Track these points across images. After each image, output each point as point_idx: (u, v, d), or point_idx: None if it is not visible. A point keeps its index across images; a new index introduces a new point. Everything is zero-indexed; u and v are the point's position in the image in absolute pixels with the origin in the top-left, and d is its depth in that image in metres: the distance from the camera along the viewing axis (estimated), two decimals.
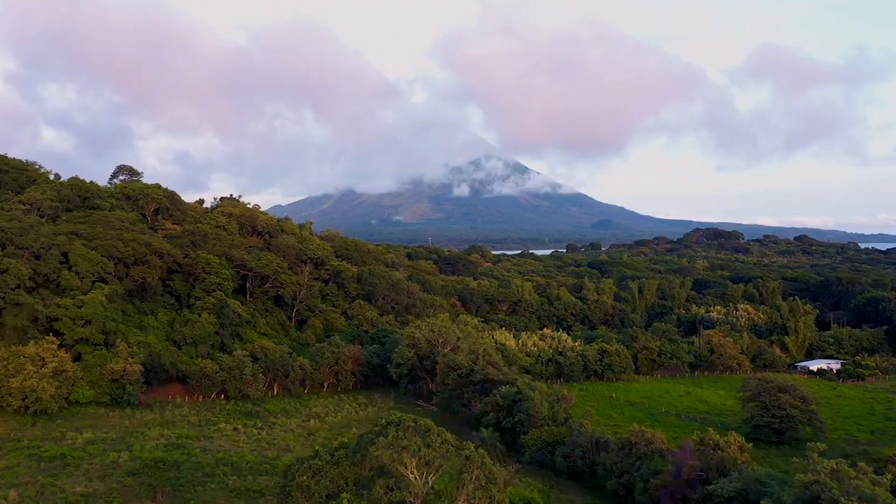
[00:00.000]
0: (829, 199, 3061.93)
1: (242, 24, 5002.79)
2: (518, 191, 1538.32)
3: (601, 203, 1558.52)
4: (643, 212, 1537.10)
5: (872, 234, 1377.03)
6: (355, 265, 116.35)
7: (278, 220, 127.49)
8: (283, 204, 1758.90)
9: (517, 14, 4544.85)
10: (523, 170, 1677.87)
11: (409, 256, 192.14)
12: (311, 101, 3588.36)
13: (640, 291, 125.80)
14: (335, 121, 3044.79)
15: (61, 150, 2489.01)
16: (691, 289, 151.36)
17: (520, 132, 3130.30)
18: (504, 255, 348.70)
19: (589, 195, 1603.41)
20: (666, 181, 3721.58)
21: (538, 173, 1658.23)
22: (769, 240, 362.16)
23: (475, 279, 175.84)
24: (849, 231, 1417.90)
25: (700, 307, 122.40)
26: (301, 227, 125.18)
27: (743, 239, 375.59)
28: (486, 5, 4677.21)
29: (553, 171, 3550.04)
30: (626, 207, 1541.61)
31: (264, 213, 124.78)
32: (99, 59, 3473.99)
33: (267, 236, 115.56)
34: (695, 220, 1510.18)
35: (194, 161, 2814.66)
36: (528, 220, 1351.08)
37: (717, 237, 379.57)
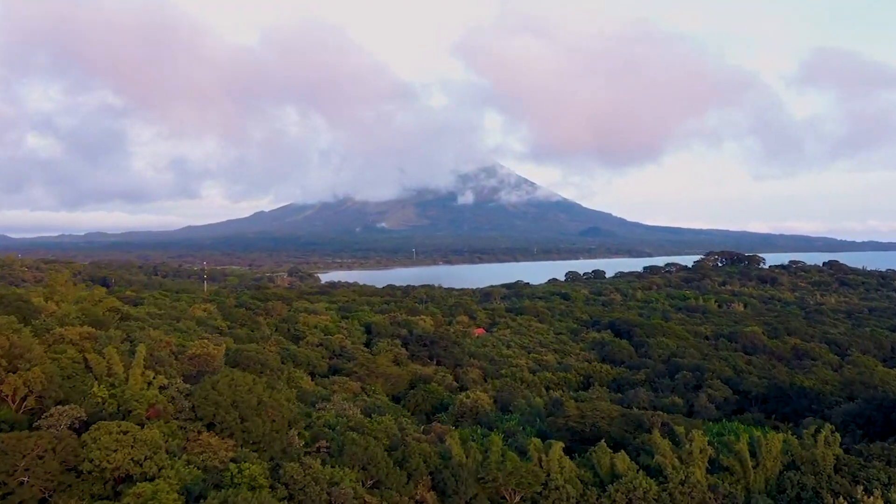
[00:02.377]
0: (820, 204, 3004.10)
1: (247, 22, 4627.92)
2: (525, 199, 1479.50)
3: (588, 209, 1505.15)
4: (631, 218, 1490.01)
5: (864, 242, 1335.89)
6: (230, 437, 55.58)
7: (94, 349, 63.19)
8: (267, 210, 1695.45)
9: (544, 11, 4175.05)
10: (530, 182, 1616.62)
11: (367, 331, 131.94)
12: (317, 103, 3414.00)
13: (752, 454, 66.96)
14: (342, 125, 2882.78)
15: (48, 155, 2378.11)
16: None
17: (542, 138, 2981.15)
18: (493, 286, 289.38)
19: (576, 201, 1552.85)
20: (655, 187, 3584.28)
21: (540, 187, 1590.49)
22: (797, 267, 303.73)
23: (461, 368, 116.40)
24: (839, 238, 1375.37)
25: (867, 491, 64.92)
26: (131, 362, 59.48)
27: (764, 264, 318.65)
28: (507, 2, 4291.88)
29: (566, 179, 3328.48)
30: (614, 214, 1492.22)
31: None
32: (92, 58, 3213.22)
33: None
34: (683, 226, 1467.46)
35: (189, 166, 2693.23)
36: (514, 226, 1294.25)
37: (736, 261, 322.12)
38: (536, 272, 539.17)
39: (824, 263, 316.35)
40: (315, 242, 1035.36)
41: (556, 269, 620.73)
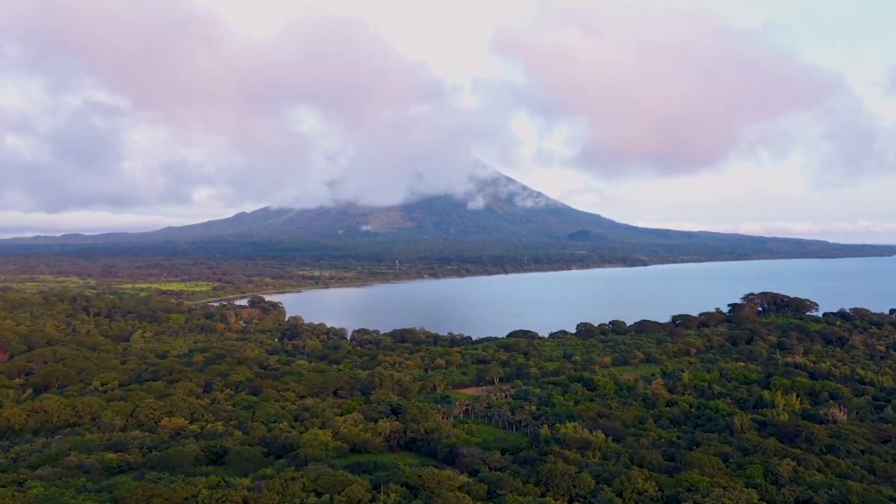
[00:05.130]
0: (812, 204, 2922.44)
1: (267, 15, 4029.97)
2: (510, 200, 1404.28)
3: (578, 211, 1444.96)
4: (620, 220, 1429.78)
5: (857, 245, 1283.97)
6: None
7: None
8: (248, 212, 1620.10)
9: (591, 3, 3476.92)
10: (521, 184, 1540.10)
11: None
12: (336, 105, 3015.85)
13: None
14: (359, 128, 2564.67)
15: (31, 157, 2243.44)
16: None
17: (586, 141, 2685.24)
18: (489, 345, 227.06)
19: (565, 203, 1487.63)
20: (643, 188, 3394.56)
21: (529, 189, 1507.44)
22: (863, 317, 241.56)
23: None
24: (831, 241, 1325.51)
25: None
26: None
27: (817, 310, 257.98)
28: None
29: (588, 186, 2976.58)
30: (603, 215, 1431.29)
31: None
32: (85, 52, 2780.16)
33: None
34: (673, 228, 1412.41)
35: (185, 170, 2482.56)
36: (502, 229, 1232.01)
37: (781, 306, 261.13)
38: (532, 296, 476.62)
39: (892, 311, 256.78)
40: (295, 248, 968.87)
41: (551, 286, 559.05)
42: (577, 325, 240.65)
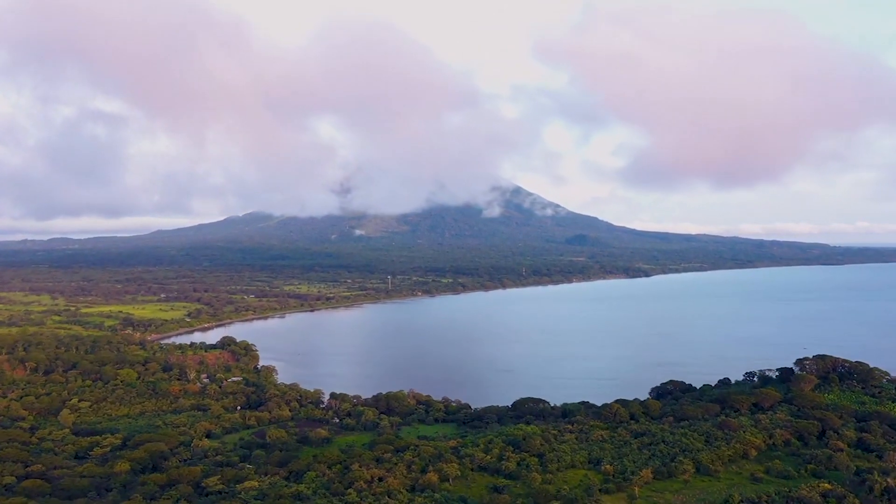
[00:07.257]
0: (809, 204, 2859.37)
1: (299, 19, 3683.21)
2: (504, 201, 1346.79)
3: (574, 213, 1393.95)
4: (617, 223, 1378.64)
5: (859, 247, 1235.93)
6: None
7: None
8: (240, 215, 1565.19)
9: (642, 3, 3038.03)
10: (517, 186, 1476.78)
11: None
12: (362, 113, 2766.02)
13: None
14: (384, 136, 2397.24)
15: (20, 168, 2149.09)
16: None
17: (634, 152, 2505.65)
18: (493, 427, 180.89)
19: (562, 205, 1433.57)
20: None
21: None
22: None
23: None
24: (832, 244, 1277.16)
25: None
26: None
27: (887, 380, 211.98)
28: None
29: (613, 193, 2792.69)
30: (600, 217, 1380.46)
31: None
32: (88, 53, 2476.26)
33: None
34: (671, 231, 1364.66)
35: (187, 181, 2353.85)
36: (497, 233, 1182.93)
37: (843, 374, 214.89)
38: (534, 326, 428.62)
39: None
40: (285, 255, 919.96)
41: (554, 310, 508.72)
42: (601, 406, 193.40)
